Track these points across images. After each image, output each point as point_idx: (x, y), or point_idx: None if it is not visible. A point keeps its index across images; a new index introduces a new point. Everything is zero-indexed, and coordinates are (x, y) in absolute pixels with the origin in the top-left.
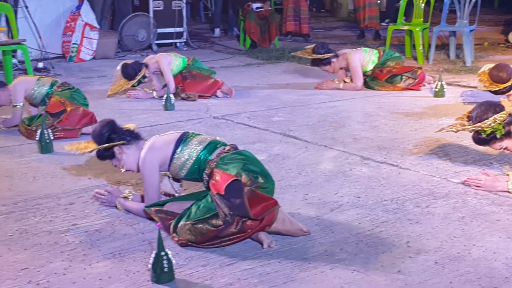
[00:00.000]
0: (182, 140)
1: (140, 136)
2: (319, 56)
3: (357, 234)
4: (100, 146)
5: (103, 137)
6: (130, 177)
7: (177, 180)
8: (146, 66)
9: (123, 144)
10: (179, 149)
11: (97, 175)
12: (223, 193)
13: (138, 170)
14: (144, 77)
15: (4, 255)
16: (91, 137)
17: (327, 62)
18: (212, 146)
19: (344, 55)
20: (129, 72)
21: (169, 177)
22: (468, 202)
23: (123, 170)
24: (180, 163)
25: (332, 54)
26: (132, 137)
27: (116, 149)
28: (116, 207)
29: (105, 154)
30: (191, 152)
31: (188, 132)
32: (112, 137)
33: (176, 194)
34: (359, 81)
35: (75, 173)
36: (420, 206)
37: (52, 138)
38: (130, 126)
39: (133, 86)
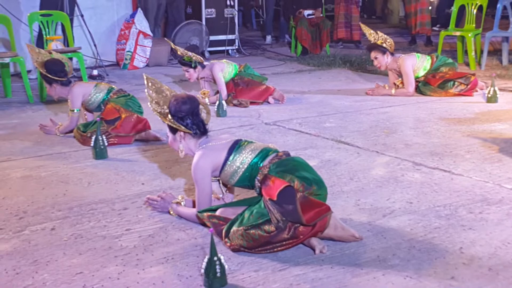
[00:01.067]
0: (235, 148)
1: (206, 133)
2: (381, 39)
3: (409, 240)
4: (169, 122)
5: (178, 113)
6: (184, 182)
7: (225, 185)
8: (203, 66)
9: (189, 133)
10: (231, 157)
11: (150, 180)
12: (275, 199)
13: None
14: (195, 65)
15: (59, 260)
16: (169, 102)
17: (383, 50)
18: (264, 153)
19: (397, 59)
20: (192, 49)
21: (219, 182)
22: None
23: (181, 155)
24: (232, 170)
25: (391, 47)
26: (200, 131)
27: (180, 132)
28: (169, 212)
29: (169, 124)
30: (243, 160)
31: (241, 139)
32: (185, 119)
33: (221, 196)
34: (411, 86)
35: (129, 179)
36: (473, 212)
37: (106, 144)
38: (207, 116)
39: (183, 62)
